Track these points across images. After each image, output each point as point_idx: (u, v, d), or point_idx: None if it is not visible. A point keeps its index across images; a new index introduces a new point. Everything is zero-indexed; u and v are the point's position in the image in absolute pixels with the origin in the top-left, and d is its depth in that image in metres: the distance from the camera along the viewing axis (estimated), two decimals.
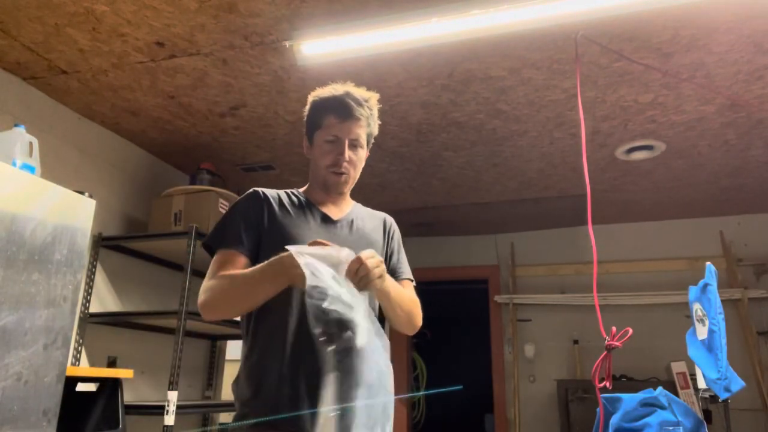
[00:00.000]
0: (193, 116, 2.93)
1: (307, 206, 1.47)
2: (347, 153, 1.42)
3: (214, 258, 1.38)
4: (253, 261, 1.36)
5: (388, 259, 1.52)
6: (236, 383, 1.36)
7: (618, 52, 2.27)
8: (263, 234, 1.39)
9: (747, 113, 2.77)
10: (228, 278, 1.29)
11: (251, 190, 1.47)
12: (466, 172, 3.57)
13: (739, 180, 3.61)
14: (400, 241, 1.59)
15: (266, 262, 1.24)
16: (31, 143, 2.04)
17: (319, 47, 2.22)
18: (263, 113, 2.87)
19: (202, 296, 1.32)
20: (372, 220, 1.54)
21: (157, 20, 2.15)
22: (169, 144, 3.27)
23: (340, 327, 1.09)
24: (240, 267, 1.33)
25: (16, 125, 2.05)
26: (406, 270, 1.56)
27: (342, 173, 1.44)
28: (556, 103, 2.73)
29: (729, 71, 2.42)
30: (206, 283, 1.33)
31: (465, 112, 2.83)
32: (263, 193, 1.46)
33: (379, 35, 2.14)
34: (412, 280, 1.56)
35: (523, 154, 3.30)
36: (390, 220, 1.59)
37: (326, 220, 1.46)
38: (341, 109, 1.42)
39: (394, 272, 1.52)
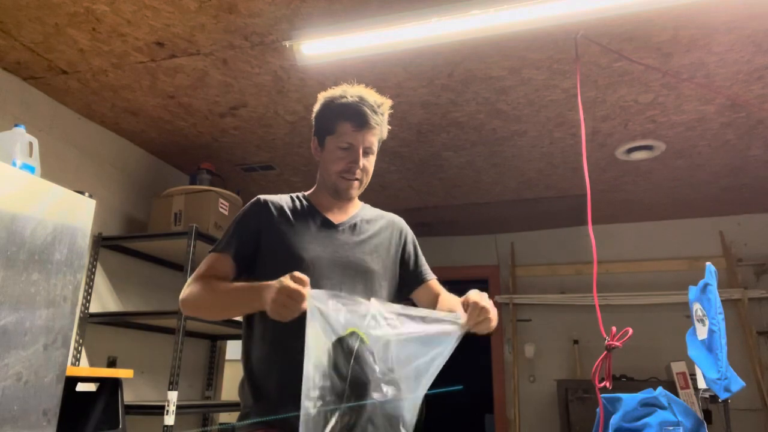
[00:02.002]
0: (193, 116, 2.93)
1: (309, 211, 1.46)
2: (361, 161, 1.41)
3: (206, 257, 1.41)
4: (242, 266, 1.39)
5: (403, 263, 1.50)
6: (241, 387, 1.37)
7: (618, 52, 2.27)
8: (261, 241, 1.40)
9: (747, 113, 2.77)
10: (211, 287, 1.32)
11: (255, 198, 1.48)
12: (466, 172, 3.57)
13: (739, 180, 3.61)
14: (416, 242, 1.56)
15: (250, 285, 1.25)
16: (31, 143, 2.04)
17: (319, 47, 2.22)
18: (263, 113, 2.87)
19: (184, 292, 1.35)
20: (379, 222, 1.52)
21: (157, 20, 2.15)
22: (169, 144, 3.27)
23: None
24: (223, 270, 1.37)
25: (16, 125, 2.05)
26: (428, 270, 1.53)
27: (353, 179, 1.43)
28: (556, 103, 2.73)
29: (729, 71, 2.42)
30: (190, 281, 1.36)
31: (465, 112, 2.84)
32: (264, 200, 1.47)
33: (379, 35, 2.14)
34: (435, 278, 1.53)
35: (523, 154, 3.30)
36: (400, 222, 1.56)
37: (326, 224, 1.44)
38: (357, 118, 1.40)
39: (417, 276, 1.50)
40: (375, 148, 1.45)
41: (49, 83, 2.62)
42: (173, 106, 2.82)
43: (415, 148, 3.25)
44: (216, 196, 3.14)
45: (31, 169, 2.00)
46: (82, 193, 2.03)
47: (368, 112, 1.40)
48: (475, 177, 3.65)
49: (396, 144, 3.19)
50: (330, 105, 1.45)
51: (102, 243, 2.97)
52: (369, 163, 1.45)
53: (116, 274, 3.10)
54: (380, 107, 1.43)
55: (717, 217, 4.33)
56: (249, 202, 1.49)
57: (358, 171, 1.42)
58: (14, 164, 1.94)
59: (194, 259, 2.82)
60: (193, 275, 1.37)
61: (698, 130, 2.95)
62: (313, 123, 1.50)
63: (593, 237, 1.76)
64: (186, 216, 3.06)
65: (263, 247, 1.40)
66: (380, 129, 1.44)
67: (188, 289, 1.34)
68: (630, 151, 3.20)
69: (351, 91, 1.44)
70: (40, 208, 1.82)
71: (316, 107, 1.49)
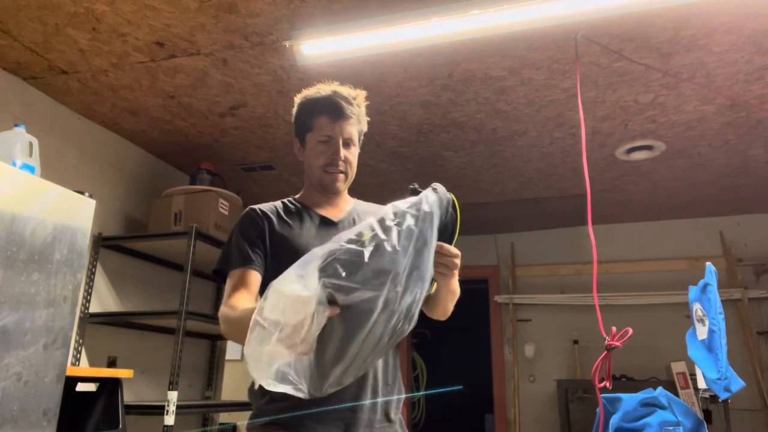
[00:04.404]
0: (193, 116, 2.93)
1: (305, 212, 1.45)
2: (342, 152, 1.41)
3: (227, 281, 1.36)
4: (263, 276, 1.35)
5: None
6: (251, 389, 1.36)
7: (618, 52, 2.27)
8: (266, 251, 1.38)
9: (747, 113, 2.77)
10: (228, 315, 1.24)
11: (247, 209, 1.46)
12: (466, 172, 3.57)
13: (739, 180, 3.61)
14: None
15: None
16: (31, 143, 2.04)
17: (319, 47, 2.22)
18: (263, 113, 2.87)
19: (220, 323, 1.29)
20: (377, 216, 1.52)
21: (157, 20, 2.15)
22: (169, 144, 3.27)
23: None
24: (253, 283, 1.32)
25: (16, 125, 2.05)
26: None
27: (337, 172, 1.43)
28: (556, 103, 2.73)
29: (729, 71, 2.42)
30: (221, 308, 1.30)
31: (465, 112, 2.84)
32: (260, 210, 1.44)
33: (379, 35, 2.14)
34: None
35: (523, 154, 3.30)
36: None
37: (326, 223, 1.44)
38: (332, 109, 1.41)
39: None
40: (356, 140, 1.45)
41: (49, 83, 2.62)
42: (173, 106, 2.82)
43: (415, 148, 3.25)
44: (216, 196, 3.14)
45: (31, 169, 2.00)
46: (82, 193, 2.03)
47: (342, 103, 1.41)
48: (475, 177, 3.65)
49: (396, 144, 3.19)
50: (306, 103, 1.46)
51: (102, 243, 2.97)
52: (351, 154, 1.45)
53: (116, 274, 3.10)
54: (355, 99, 1.43)
55: (717, 217, 4.33)
56: (242, 216, 1.46)
57: (340, 163, 1.42)
58: (14, 164, 1.94)
59: (194, 259, 2.83)
60: (224, 298, 1.32)
61: (698, 130, 2.95)
62: (293, 125, 1.50)
63: (593, 237, 1.76)
64: (186, 216, 3.06)
65: (268, 256, 1.37)
66: (357, 119, 1.44)
67: (220, 316, 1.28)
68: (630, 151, 3.20)
69: (324, 88, 1.45)
70: (40, 208, 1.82)
71: (294, 109, 1.49)
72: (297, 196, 1.52)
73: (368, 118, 1.51)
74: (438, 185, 1.16)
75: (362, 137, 1.51)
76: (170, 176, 3.55)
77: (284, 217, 1.43)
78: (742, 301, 4.01)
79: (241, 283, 1.32)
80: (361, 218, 1.47)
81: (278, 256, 1.36)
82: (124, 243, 3.07)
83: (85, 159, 2.95)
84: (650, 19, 2.09)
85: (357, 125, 1.44)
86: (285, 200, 1.50)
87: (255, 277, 1.33)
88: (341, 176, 1.44)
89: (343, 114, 1.40)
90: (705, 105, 2.70)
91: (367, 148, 3.18)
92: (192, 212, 3.06)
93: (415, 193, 1.15)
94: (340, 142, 1.41)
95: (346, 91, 1.44)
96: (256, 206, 1.46)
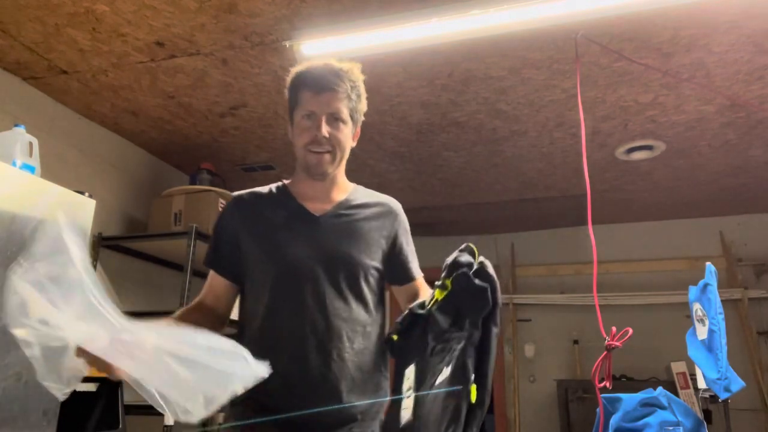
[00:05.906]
0: (193, 116, 2.93)
1: (288, 204, 1.35)
2: (324, 128, 1.27)
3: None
4: (233, 276, 1.35)
5: (392, 255, 1.38)
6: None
7: (618, 52, 2.27)
8: (241, 246, 1.33)
9: (747, 113, 2.77)
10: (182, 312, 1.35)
11: (228, 202, 1.42)
12: (466, 172, 3.57)
13: (739, 180, 3.61)
14: (408, 233, 1.44)
15: None
16: (31, 143, 2.04)
17: (319, 47, 2.22)
18: (263, 113, 2.87)
19: None
20: (371, 207, 1.40)
21: (157, 20, 2.15)
22: (169, 144, 3.27)
23: None
24: (215, 286, 1.36)
25: (16, 125, 2.05)
26: (415, 266, 1.42)
27: (321, 151, 1.29)
28: (556, 103, 2.73)
29: (729, 71, 2.42)
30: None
31: (465, 112, 2.83)
32: (237, 201, 1.39)
33: (379, 35, 2.14)
34: (421, 275, 1.43)
35: (523, 154, 3.30)
36: (396, 209, 1.44)
37: (304, 217, 1.33)
38: (316, 82, 1.28)
39: (405, 271, 1.40)
40: (344, 116, 1.30)
41: (49, 83, 2.62)
42: (173, 106, 2.82)
43: (415, 148, 3.24)
44: (216, 196, 3.14)
45: (31, 169, 2.00)
46: (82, 193, 2.03)
47: (328, 75, 1.29)
48: (475, 177, 3.65)
49: (396, 144, 3.19)
50: (293, 78, 1.35)
51: (102, 243, 2.97)
52: (339, 132, 1.30)
53: (116, 274, 3.09)
54: (347, 72, 1.31)
55: (717, 217, 4.32)
56: (222, 209, 1.42)
57: (324, 140, 1.28)
58: (14, 164, 1.94)
59: (194, 259, 2.82)
60: None
61: (698, 130, 2.95)
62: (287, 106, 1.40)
63: (593, 237, 1.76)
64: (186, 216, 3.06)
65: (244, 252, 1.33)
66: (347, 94, 1.30)
67: None
68: (630, 151, 3.20)
69: (316, 62, 1.34)
70: (40, 208, 1.81)
71: (286, 88, 1.39)
72: (288, 182, 1.43)
73: (365, 93, 1.38)
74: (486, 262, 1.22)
75: (360, 117, 1.37)
76: (170, 176, 3.55)
77: (263, 210, 1.35)
78: (742, 301, 4.01)
79: (207, 286, 1.37)
80: (351, 211, 1.36)
81: (253, 255, 1.32)
82: (124, 243, 3.07)
83: (85, 159, 2.94)
84: (650, 19, 2.09)
85: (347, 101, 1.30)
86: (273, 186, 1.42)
87: (217, 281, 1.36)
88: (326, 156, 1.30)
89: (327, 86, 1.28)
90: (705, 105, 2.70)
91: (366, 148, 3.18)
92: (192, 212, 3.06)
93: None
94: (323, 118, 1.28)
95: (337, 64, 1.32)
96: (237, 195, 1.41)
